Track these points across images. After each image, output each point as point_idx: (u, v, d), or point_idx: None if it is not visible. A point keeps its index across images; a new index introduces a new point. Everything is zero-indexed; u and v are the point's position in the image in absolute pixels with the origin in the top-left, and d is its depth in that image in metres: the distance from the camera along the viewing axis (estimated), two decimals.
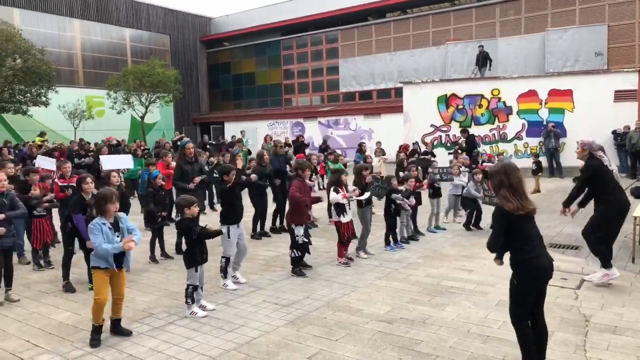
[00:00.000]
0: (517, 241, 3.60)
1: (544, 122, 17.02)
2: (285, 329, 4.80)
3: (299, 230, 6.48)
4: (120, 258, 4.62)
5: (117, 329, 4.73)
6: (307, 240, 6.52)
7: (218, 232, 5.46)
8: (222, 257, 6.10)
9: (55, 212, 7.48)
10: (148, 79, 24.83)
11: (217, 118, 33.24)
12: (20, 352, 4.42)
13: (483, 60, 20.24)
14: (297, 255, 6.53)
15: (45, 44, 22.44)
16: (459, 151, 13.64)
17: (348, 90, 29.06)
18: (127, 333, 4.72)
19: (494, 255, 3.84)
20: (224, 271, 6.09)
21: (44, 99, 20.83)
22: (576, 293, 5.54)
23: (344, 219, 6.93)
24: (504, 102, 17.69)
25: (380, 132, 24.22)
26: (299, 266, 6.58)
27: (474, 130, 17.35)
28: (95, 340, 4.52)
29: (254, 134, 26.99)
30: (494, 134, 17.84)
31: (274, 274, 6.69)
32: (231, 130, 30.21)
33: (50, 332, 4.86)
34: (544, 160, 15.44)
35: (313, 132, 27.60)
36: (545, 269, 3.59)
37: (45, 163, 9.64)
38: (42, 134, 18.41)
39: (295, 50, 31.31)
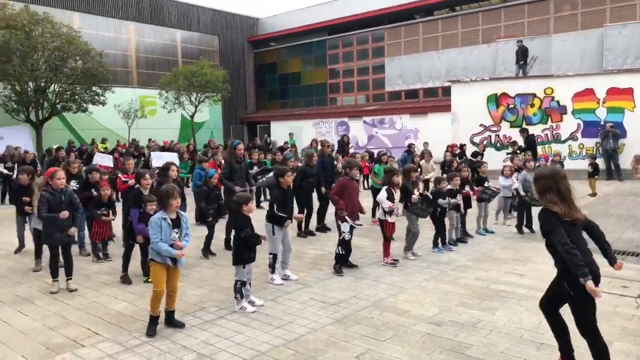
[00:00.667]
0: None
1: (602, 122, 16.28)
2: (333, 327, 4.83)
3: (345, 227, 6.50)
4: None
5: (171, 321, 4.89)
6: (351, 237, 6.54)
7: (257, 243, 5.43)
8: (270, 253, 6.22)
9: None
10: (197, 79, 25.54)
11: (264, 117, 33.75)
12: (81, 339, 4.66)
13: (522, 55, 19.38)
14: (341, 252, 6.57)
15: (103, 46, 23.53)
16: (518, 152, 13.23)
17: (394, 89, 28.80)
18: (180, 325, 4.87)
19: (546, 259, 3.69)
20: (271, 267, 6.22)
21: (101, 98, 21.83)
22: (637, 302, 5.28)
23: (391, 219, 6.90)
24: (558, 102, 17.05)
25: (426, 132, 23.87)
26: (340, 264, 6.62)
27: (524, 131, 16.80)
28: (151, 330, 4.69)
29: (299, 133, 27.26)
30: (547, 135, 17.22)
31: (320, 272, 6.74)
32: (277, 129, 30.64)
33: (109, 321, 5.10)
34: (600, 162, 14.76)
35: (358, 131, 27.56)
36: (596, 276, 3.36)
37: (103, 160, 10.13)
38: (104, 141, 19.35)
39: (341, 49, 31.32)
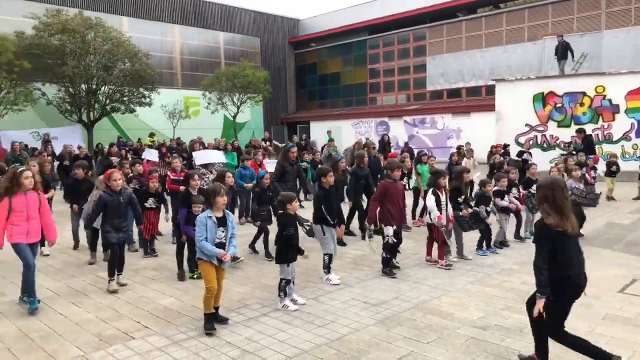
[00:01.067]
0: (558, 256, 3.61)
1: None
2: (375, 328, 4.82)
3: (389, 231, 6.42)
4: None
5: (215, 316, 4.98)
6: (395, 241, 6.43)
7: (300, 251, 5.44)
8: (324, 254, 6.20)
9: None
10: (239, 80, 26.01)
11: (304, 117, 33.98)
12: (132, 332, 4.84)
13: (563, 51, 18.44)
14: (386, 256, 6.49)
15: (149, 48, 24.29)
16: (574, 153, 12.76)
17: (435, 89, 28.38)
18: (223, 320, 4.96)
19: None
20: (327, 267, 6.20)
21: (148, 99, 22.58)
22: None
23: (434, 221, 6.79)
24: (610, 100, 16.35)
25: (469, 132, 23.41)
26: (389, 266, 6.54)
27: (573, 131, 16.19)
28: (209, 327, 4.74)
29: (338, 133, 27.26)
30: (598, 135, 16.54)
31: (361, 272, 6.73)
32: (316, 129, 30.76)
33: (157, 315, 5.27)
34: None
35: (398, 131, 27.33)
36: (583, 287, 3.67)
37: (150, 155, 10.50)
38: (151, 135, 19.99)
39: (382, 48, 31.14)
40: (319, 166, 7.82)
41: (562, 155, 14.12)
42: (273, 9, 41.79)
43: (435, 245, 6.93)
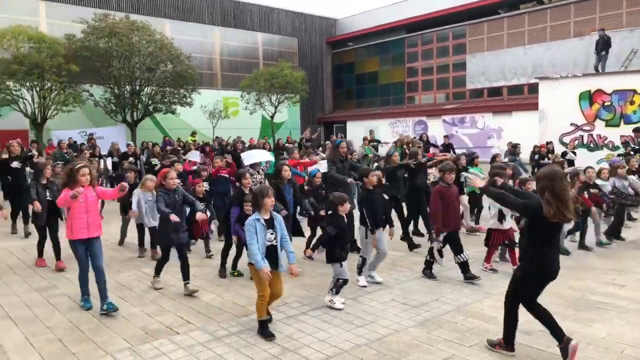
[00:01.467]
0: (541, 245, 3.93)
1: None
2: (415, 329, 4.77)
3: (439, 237, 6.19)
4: (274, 258, 4.65)
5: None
6: (441, 246, 6.21)
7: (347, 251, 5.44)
8: (360, 256, 6.12)
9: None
10: (277, 81, 26.25)
11: (340, 117, 33.97)
12: (175, 327, 4.97)
13: (604, 45, 17.56)
14: (430, 259, 6.37)
15: (190, 50, 24.85)
16: (632, 153, 12.21)
17: (475, 87, 27.81)
18: (270, 336, 4.63)
19: None
20: (359, 269, 6.12)
21: (189, 100, 23.13)
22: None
23: (503, 225, 6.48)
24: None
25: (510, 131, 22.82)
26: (430, 269, 6.43)
27: (623, 130, 15.53)
28: (268, 334, 4.59)
29: (375, 132, 27.06)
30: None
31: (400, 273, 6.67)
32: (353, 129, 30.69)
33: (199, 311, 5.39)
34: None
35: (436, 130, 26.91)
36: (555, 274, 4.05)
37: (193, 156, 10.74)
38: (193, 134, 20.46)
39: (420, 47, 30.76)
40: (361, 167, 7.73)
41: (618, 155, 13.50)
42: (311, 9, 41.96)
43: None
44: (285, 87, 26.68)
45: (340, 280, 5.34)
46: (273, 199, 4.75)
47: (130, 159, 13.92)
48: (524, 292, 4.13)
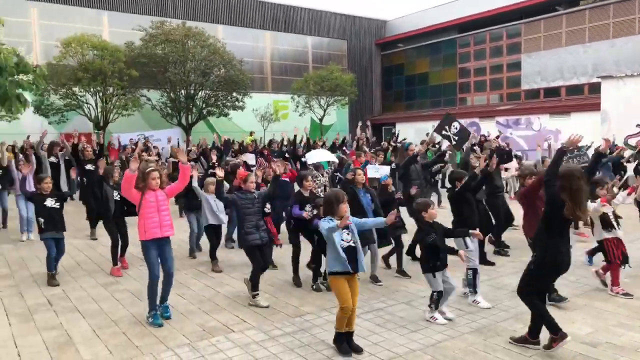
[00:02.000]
0: (556, 238, 4.17)
1: None
2: (471, 336, 4.67)
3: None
4: (353, 259, 4.35)
5: (349, 343, 4.42)
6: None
7: (452, 250, 5.04)
8: (468, 269, 5.54)
9: None
10: (327, 84, 26.39)
11: (389, 119, 33.69)
12: (231, 325, 5.10)
13: None
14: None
15: (242, 54, 25.42)
16: None
17: (531, 87, 26.84)
18: (358, 350, 4.38)
19: None
20: (471, 285, 5.55)
21: (241, 103, 23.67)
22: None
23: (612, 233, 5.85)
24: None
25: (569, 133, 21.78)
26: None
27: None
28: (342, 348, 4.35)
29: (424, 134, 26.66)
30: None
31: (455, 279, 6.51)
32: (403, 130, 30.34)
33: (253, 310, 5.50)
34: None
35: (489, 132, 26.16)
36: (567, 265, 4.25)
37: (248, 158, 10.93)
38: (251, 134, 20.98)
39: (473, 47, 30.04)
40: (453, 169, 7.46)
41: None
42: (360, 11, 41.91)
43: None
44: (334, 89, 26.78)
45: (435, 294, 4.98)
46: (347, 206, 4.51)
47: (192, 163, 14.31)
48: (536, 283, 4.32)
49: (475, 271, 5.51)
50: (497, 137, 17.09)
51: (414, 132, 28.32)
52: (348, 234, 4.39)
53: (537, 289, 4.34)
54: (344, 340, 4.40)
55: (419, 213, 5.11)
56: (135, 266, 7.38)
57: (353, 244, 4.37)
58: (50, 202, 6.70)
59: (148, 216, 5.14)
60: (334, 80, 26.48)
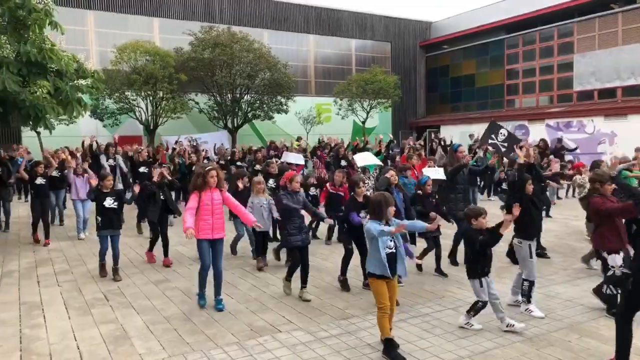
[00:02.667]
0: None
1: None
2: (523, 345, 4.54)
3: (615, 260, 5.13)
4: (393, 266, 4.45)
5: (387, 350, 4.37)
6: (626, 272, 4.93)
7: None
8: (524, 280, 5.38)
9: None
10: (370, 86, 26.28)
11: (434, 121, 33.17)
12: (278, 325, 5.17)
13: None
14: (613, 292, 5.16)
15: (287, 58, 25.71)
16: None
17: (584, 89, 25.75)
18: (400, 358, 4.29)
19: None
20: (526, 295, 5.37)
21: (285, 107, 23.95)
22: None
23: None
24: None
25: (625, 136, 20.83)
26: (613, 306, 5.02)
27: None
28: (394, 355, 4.29)
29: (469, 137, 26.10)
30: None
31: (504, 285, 6.35)
32: (447, 133, 29.83)
33: (300, 311, 5.55)
34: None
35: (538, 135, 25.27)
36: None
37: (292, 158, 10.96)
38: (299, 139, 21.25)
39: (521, 47, 29.13)
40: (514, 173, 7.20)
41: None
42: (405, 13, 41.55)
43: None
44: (378, 92, 26.63)
45: (480, 303, 4.89)
46: (394, 209, 4.58)
47: (238, 162, 14.57)
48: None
49: (532, 283, 5.35)
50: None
51: (459, 135, 27.78)
52: (391, 240, 4.47)
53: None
54: (396, 347, 4.37)
55: (469, 220, 5.03)
56: (185, 265, 7.61)
57: (395, 250, 4.46)
58: (109, 202, 7.01)
59: (202, 218, 5.46)
60: (377, 82, 26.34)
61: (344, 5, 31.69)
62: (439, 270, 6.85)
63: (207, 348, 4.60)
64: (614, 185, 5.34)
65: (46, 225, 9.44)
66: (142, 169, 10.70)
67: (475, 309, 4.93)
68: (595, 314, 5.25)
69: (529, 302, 5.36)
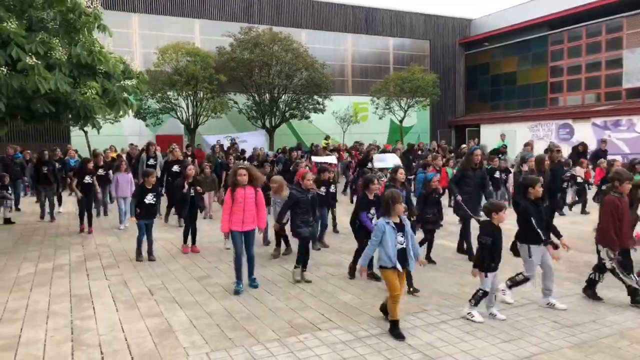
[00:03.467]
0: None
1: None
2: (571, 351, 4.39)
3: (608, 254, 5.45)
4: (404, 260, 4.81)
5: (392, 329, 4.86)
6: (615, 266, 5.41)
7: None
8: (521, 273, 5.57)
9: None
10: (408, 85, 26.00)
11: (473, 120, 32.52)
12: (318, 323, 5.19)
13: None
14: (596, 279, 5.73)
15: (324, 57, 25.77)
16: None
17: (634, 86, 24.67)
18: (400, 336, 4.73)
19: None
20: (513, 282, 5.61)
21: (321, 106, 24.01)
22: None
23: None
24: None
25: None
26: (592, 289, 5.77)
27: None
28: (398, 335, 4.72)
29: (512, 137, 25.42)
30: None
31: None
32: (487, 132, 29.17)
33: (339, 310, 5.57)
34: None
35: (584, 134, 24.39)
36: None
37: (319, 159, 11.13)
38: (327, 138, 21.33)
39: (566, 44, 28.17)
40: (525, 175, 7.20)
41: None
42: (444, 11, 40.89)
43: None
44: (416, 91, 26.32)
45: (481, 292, 5.15)
46: (403, 206, 4.91)
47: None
48: None
49: (526, 279, 5.53)
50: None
51: (499, 134, 27.15)
52: (402, 236, 4.82)
53: None
54: (399, 327, 4.80)
55: (490, 213, 5.19)
56: (225, 262, 7.75)
57: (405, 246, 4.84)
58: (149, 198, 7.90)
59: (235, 212, 6.13)
60: (415, 81, 26.03)
61: (382, 3, 31.49)
62: (428, 258, 7.37)
63: (249, 344, 4.68)
64: (629, 185, 5.49)
65: (89, 216, 10.39)
66: (174, 168, 11.05)
67: (476, 297, 5.16)
68: None
69: (510, 288, 5.64)
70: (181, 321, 5.29)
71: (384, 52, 31.90)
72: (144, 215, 7.90)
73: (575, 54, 27.71)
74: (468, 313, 5.19)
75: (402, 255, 4.81)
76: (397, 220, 4.89)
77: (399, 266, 4.77)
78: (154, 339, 4.82)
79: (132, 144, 17.08)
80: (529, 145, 13.45)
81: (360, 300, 5.91)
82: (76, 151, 17.00)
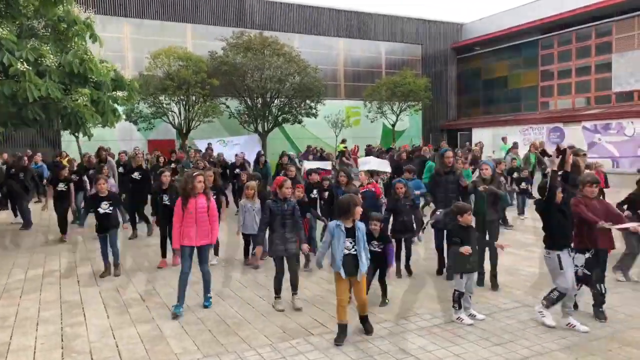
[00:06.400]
0: None
1: None
2: (562, 354, 4.42)
3: (579, 260, 5.27)
4: (353, 266, 4.75)
5: (364, 325, 5.00)
6: (587, 273, 5.22)
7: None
8: (555, 290, 5.05)
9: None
10: (400, 89, 26.11)
11: (465, 124, 32.73)
12: (310, 328, 5.19)
13: None
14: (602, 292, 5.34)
15: (316, 62, 25.81)
16: None
17: (623, 90, 24.93)
18: (368, 331, 4.93)
19: None
20: (548, 301, 5.08)
21: (314, 110, 24.02)
22: None
23: None
24: None
25: None
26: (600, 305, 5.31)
27: None
28: (340, 339, 4.73)
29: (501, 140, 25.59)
30: None
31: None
32: (479, 136, 29.35)
33: (331, 315, 5.52)
34: None
35: (574, 138, 24.60)
36: None
37: (314, 164, 11.12)
38: (343, 141, 21.32)
39: (556, 48, 28.45)
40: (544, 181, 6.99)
41: None
42: (435, 16, 41.10)
43: None
44: (407, 95, 26.43)
45: (456, 293, 5.24)
46: (360, 210, 4.83)
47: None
48: None
49: (561, 295, 4.99)
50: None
51: (491, 137, 27.37)
52: (351, 242, 4.76)
53: None
54: (343, 331, 4.78)
55: (455, 216, 5.26)
56: (216, 267, 7.71)
57: (354, 252, 4.77)
58: (104, 207, 7.25)
59: (186, 225, 5.59)
60: (407, 85, 26.15)
61: (374, 8, 31.62)
62: (407, 267, 7.11)
63: (241, 349, 4.66)
64: (595, 187, 5.28)
65: (65, 223, 10.08)
66: (135, 175, 10.51)
67: (455, 299, 5.23)
68: (636, 322, 5.07)
69: (547, 307, 5.10)
70: (173, 327, 5.27)
71: (376, 56, 32.02)
72: (98, 227, 7.20)
73: (565, 58, 27.99)
74: (457, 318, 5.22)
75: (351, 261, 4.74)
76: (350, 225, 4.81)
77: (342, 272, 4.72)
78: (145, 345, 4.79)
79: (102, 146, 16.25)
80: (532, 146, 13.83)
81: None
82: (61, 156, 16.78)
